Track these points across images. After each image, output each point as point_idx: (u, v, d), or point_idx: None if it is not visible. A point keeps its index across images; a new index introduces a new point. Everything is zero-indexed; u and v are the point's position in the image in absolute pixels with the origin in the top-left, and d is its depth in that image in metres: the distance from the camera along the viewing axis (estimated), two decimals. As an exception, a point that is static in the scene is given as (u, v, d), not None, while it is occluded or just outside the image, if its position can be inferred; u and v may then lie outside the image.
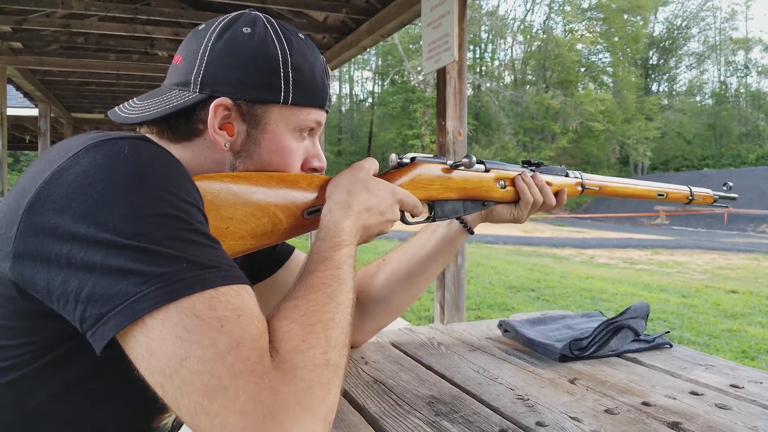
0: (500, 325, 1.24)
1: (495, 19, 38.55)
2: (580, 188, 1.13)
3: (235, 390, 0.52)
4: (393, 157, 0.94)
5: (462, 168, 0.97)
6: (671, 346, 1.16)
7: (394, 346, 1.20)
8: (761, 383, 0.96)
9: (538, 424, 0.80)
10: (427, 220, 0.96)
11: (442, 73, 3.49)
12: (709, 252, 12.13)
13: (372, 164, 0.87)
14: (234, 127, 0.78)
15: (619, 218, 23.10)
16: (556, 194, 1.08)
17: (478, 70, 38.64)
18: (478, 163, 0.99)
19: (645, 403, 0.86)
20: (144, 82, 7.98)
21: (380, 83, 42.76)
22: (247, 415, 0.51)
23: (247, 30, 0.77)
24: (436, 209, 0.96)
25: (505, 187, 1.02)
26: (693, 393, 0.91)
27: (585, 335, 1.09)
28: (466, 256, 3.83)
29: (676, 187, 1.23)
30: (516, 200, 1.05)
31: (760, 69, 41.87)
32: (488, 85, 37.00)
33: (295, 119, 0.80)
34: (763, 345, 4.65)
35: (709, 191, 1.27)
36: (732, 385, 0.94)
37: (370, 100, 44.89)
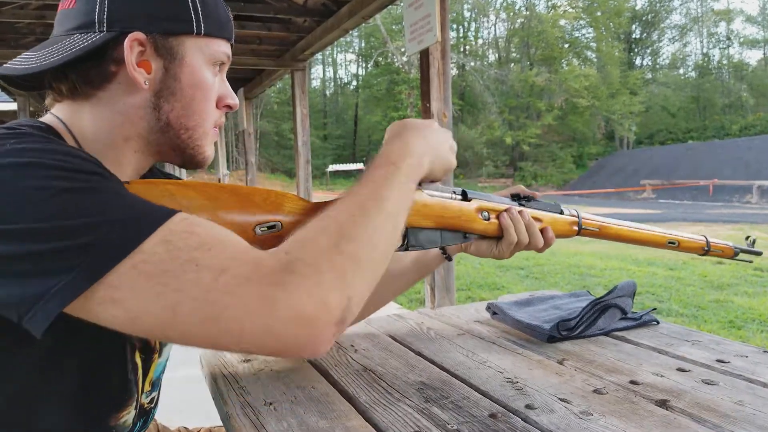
0: (488, 308, 1.25)
1: (477, -3, 38.30)
2: (576, 228, 1.03)
3: (236, 302, 0.54)
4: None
5: (434, 191, 0.89)
6: (658, 323, 1.16)
7: (384, 333, 1.20)
8: (746, 357, 0.97)
9: (528, 407, 0.80)
10: (400, 248, 0.88)
11: (425, 55, 3.47)
12: (695, 224, 12.25)
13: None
14: (151, 63, 0.74)
15: (607, 193, 23.26)
16: (543, 233, 0.99)
17: (461, 49, 38.46)
18: (456, 193, 0.92)
19: (633, 382, 0.87)
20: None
21: (364, 65, 42.49)
22: (257, 314, 0.54)
23: None
24: (409, 237, 0.88)
25: (488, 219, 0.94)
26: (680, 369, 0.92)
27: (573, 315, 1.10)
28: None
29: (690, 236, 1.11)
30: (499, 236, 0.96)
31: (741, 40, 42.06)
32: (472, 64, 36.88)
33: (208, 50, 0.78)
34: (749, 314, 4.72)
35: (730, 244, 1.15)
36: (718, 360, 0.95)
37: (354, 83, 44.61)
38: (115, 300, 0.53)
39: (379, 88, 35.35)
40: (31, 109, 9.20)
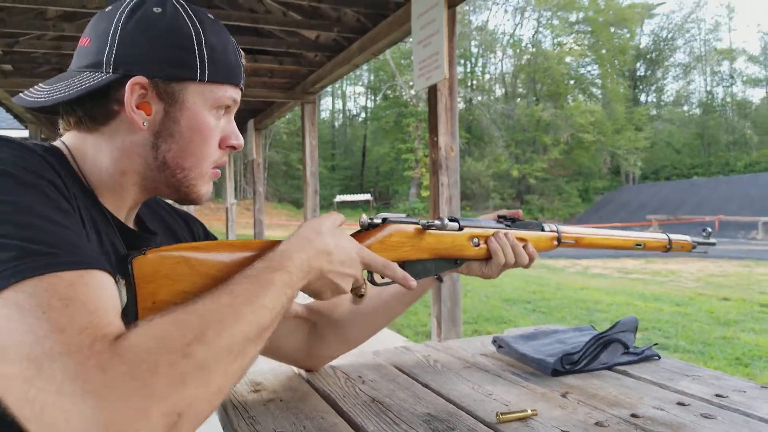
0: (494, 341, 1.27)
1: (485, 33, 38.96)
2: (556, 242, 1.11)
3: (52, 372, 0.49)
4: (363, 217, 0.92)
5: (434, 229, 0.95)
6: (659, 357, 1.19)
7: (391, 365, 1.22)
8: (745, 392, 0.99)
9: (531, 438, 0.82)
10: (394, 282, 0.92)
11: (433, 90, 3.55)
12: (701, 260, 12.19)
13: (341, 217, 0.87)
14: (151, 106, 0.77)
15: (612, 227, 23.20)
16: (526, 249, 1.06)
17: (469, 84, 38.95)
18: (451, 221, 0.97)
19: (633, 415, 0.89)
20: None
21: (373, 98, 42.98)
22: (64, 396, 0.48)
23: (157, 9, 0.77)
24: (406, 269, 0.92)
25: (478, 245, 1.01)
26: (680, 404, 0.94)
27: (576, 349, 1.12)
28: (460, 270, 3.86)
29: (654, 235, 1.23)
30: (488, 258, 1.03)
31: (744, 78, 42.47)
32: (480, 98, 37.30)
33: (212, 96, 0.80)
34: (756, 351, 4.68)
35: (688, 238, 1.26)
36: (717, 395, 0.98)
37: (363, 115, 45.10)
38: None
39: (387, 120, 35.72)
40: (42, 136, 9.36)
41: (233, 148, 0.87)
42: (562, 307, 6.67)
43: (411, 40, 3.75)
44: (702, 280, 9.23)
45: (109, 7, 0.80)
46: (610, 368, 1.13)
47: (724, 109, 41.76)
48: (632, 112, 36.67)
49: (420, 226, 0.94)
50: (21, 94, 0.80)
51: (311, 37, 5.47)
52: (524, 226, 1.07)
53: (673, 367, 1.14)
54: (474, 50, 39.61)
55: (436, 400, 1.00)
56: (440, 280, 1.08)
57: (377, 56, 5.33)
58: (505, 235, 1.03)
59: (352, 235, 0.88)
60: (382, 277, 0.90)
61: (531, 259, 1.06)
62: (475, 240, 1.01)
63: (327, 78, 5.96)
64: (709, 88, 43.34)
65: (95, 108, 0.78)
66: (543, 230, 1.10)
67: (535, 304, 6.94)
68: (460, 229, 0.99)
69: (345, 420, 0.93)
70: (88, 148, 0.79)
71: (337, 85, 41.87)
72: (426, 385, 1.08)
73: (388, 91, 36.76)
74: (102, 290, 0.58)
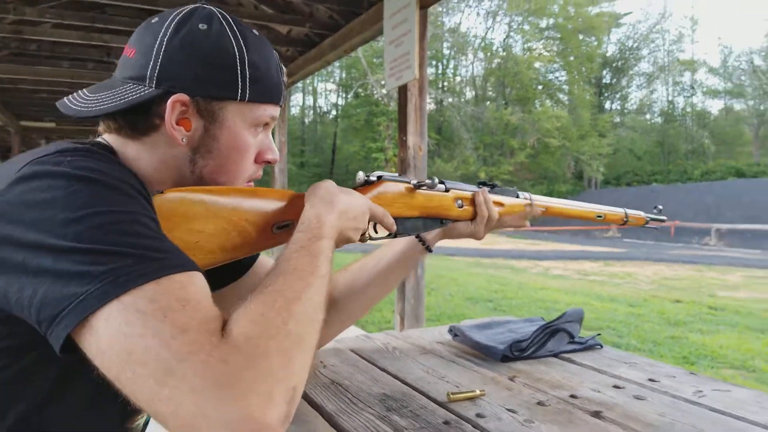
0: (451, 330, 1.35)
1: (457, 36, 39.25)
2: (528, 209, 1.20)
3: (183, 371, 0.53)
4: (360, 174, 0.97)
5: (424, 188, 1.02)
6: (602, 347, 1.28)
7: (352, 351, 1.28)
8: (674, 377, 1.08)
9: (478, 415, 0.89)
10: (389, 236, 1.01)
11: (403, 90, 3.60)
12: (656, 263, 12.60)
13: (331, 181, 0.91)
14: (191, 122, 0.78)
15: (574, 231, 23.71)
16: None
17: (440, 85, 39.20)
18: (439, 183, 1.05)
19: (572, 396, 0.97)
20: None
21: (344, 96, 42.88)
22: (198, 392, 0.52)
23: (203, 26, 0.78)
24: (398, 226, 0.99)
25: (462, 206, 1.09)
26: (615, 387, 1.03)
27: (525, 338, 1.20)
28: (425, 268, 3.94)
29: (613, 209, 1.32)
30: (473, 218, 1.11)
31: (704, 90, 43.75)
32: (450, 100, 37.57)
33: (251, 115, 0.82)
34: (702, 351, 4.90)
35: (642, 213, 1.37)
36: (650, 379, 1.07)
37: (333, 112, 44.94)
38: (94, 328, 0.56)
39: (358, 118, 35.66)
40: (66, 127, 8.93)
41: (268, 162, 0.89)
42: (523, 305, 6.83)
43: (383, 39, 3.80)
44: (656, 282, 9.54)
45: (156, 19, 0.80)
46: (555, 355, 1.21)
47: (684, 118, 42.96)
48: (597, 119, 37.43)
49: (411, 185, 1.01)
50: (65, 100, 0.81)
51: (283, 31, 5.47)
52: (502, 192, 1.17)
53: (613, 355, 1.23)
54: (446, 52, 39.88)
55: (392, 383, 1.06)
56: (429, 249, 1.15)
57: (349, 54, 5.36)
58: (487, 192, 1.12)
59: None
60: (376, 231, 0.98)
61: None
62: (459, 202, 1.09)
63: (298, 74, 5.97)
64: (670, 98, 44.56)
65: (137, 120, 0.79)
66: (518, 197, 1.19)
67: (497, 302, 7.09)
68: (447, 190, 1.07)
69: (305, 400, 0.98)
70: (129, 152, 0.80)
71: (308, 81, 41.63)
72: (384, 369, 1.14)
73: (360, 89, 36.73)
74: (205, 289, 0.62)
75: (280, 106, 0.87)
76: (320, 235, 0.76)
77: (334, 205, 0.83)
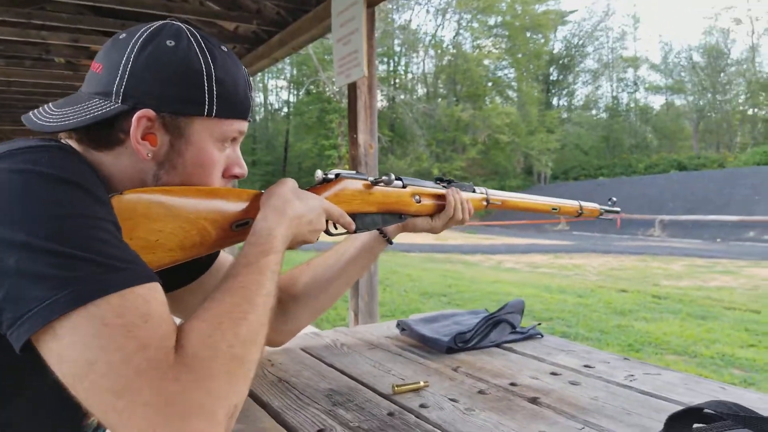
0: (398, 325, 1.37)
1: (407, 33, 39.44)
2: (485, 203, 1.23)
3: (140, 386, 0.56)
4: (319, 172, 0.99)
5: (382, 184, 1.05)
6: (542, 336, 1.33)
7: (301, 348, 1.29)
8: (609, 363, 1.14)
9: (421, 406, 0.92)
10: (349, 231, 1.03)
11: (353, 88, 3.61)
12: (603, 255, 13.02)
13: (294, 181, 0.93)
14: (157, 137, 0.79)
15: (525, 225, 24.24)
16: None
17: (392, 82, 39.32)
18: (396, 179, 1.07)
19: (512, 384, 1.01)
20: (38, 89, 7.56)
21: (295, 93, 42.53)
22: (150, 406, 0.55)
23: (171, 43, 0.78)
24: (357, 222, 1.02)
25: (420, 202, 1.11)
26: (553, 373, 1.07)
27: (469, 329, 1.24)
28: (379, 264, 3.97)
29: (568, 202, 1.36)
30: (431, 213, 1.14)
31: (647, 86, 45.37)
32: (402, 97, 37.74)
33: (218, 130, 0.82)
34: (646, 338, 5.10)
35: (596, 205, 1.41)
36: (585, 366, 1.12)
37: (285, 109, 44.50)
38: (58, 334, 0.57)
39: (310, 116, 35.40)
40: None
41: (236, 176, 0.90)
42: (476, 299, 6.95)
43: (332, 36, 3.80)
44: (603, 273, 9.86)
45: (124, 35, 0.80)
46: (498, 345, 1.25)
47: (628, 114, 44.44)
48: (545, 115, 38.33)
49: (369, 182, 1.03)
50: (30, 115, 0.81)
51: (230, 28, 5.39)
52: (459, 187, 1.19)
53: (552, 343, 1.28)
54: (397, 49, 40.04)
55: (339, 378, 1.08)
56: (390, 242, 1.18)
57: (298, 51, 5.33)
58: (456, 191, 1.14)
59: (308, 189, 0.95)
60: (335, 227, 0.99)
61: (470, 215, 1.18)
62: (417, 197, 1.11)
63: (247, 70, 5.89)
64: (615, 94, 45.99)
65: (101, 134, 0.79)
66: (474, 192, 1.22)
67: (451, 297, 7.19)
68: (404, 187, 1.09)
69: (252, 398, 0.99)
70: (92, 160, 0.79)
71: (258, 78, 41.08)
72: (331, 365, 1.15)
73: (311, 86, 36.47)
74: (163, 302, 0.64)
75: (249, 121, 0.88)
76: (269, 250, 0.78)
77: (285, 214, 0.84)
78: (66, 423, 0.81)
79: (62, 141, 0.80)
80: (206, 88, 0.79)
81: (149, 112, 0.77)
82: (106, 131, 0.78)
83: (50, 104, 0.82)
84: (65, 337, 0.57)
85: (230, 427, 0.62)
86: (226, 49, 0.84)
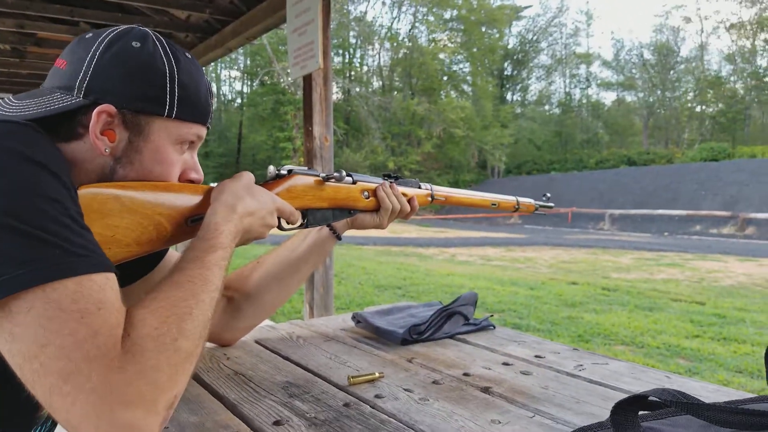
0: (354, 317, 1.38)
1: (363, 25, 39.34)
2: (430, 198, 1.26)
3: (88, 372, 0.56)
4: (271, 168, 1.00)
5: (333, 180, 1.06)
6: (494, 327, 1.36)
7: (256, 342, 1.28)
8: (559, 353, 1.17)
9: (377, 396, 0.93)
10: (301, 226, 1.04)
11: (308, 80, 3.58)
12: (555, 248, 13.37)
13: (251, 175, 0.93)
14: (116, 133, 0.80)
15: (478, 218, 24.61)
16: (410, 202, 1.20)
17: (347, 74, 39.18)
18: (347, 176, 1.08)
19: (465, 374, 1.04)
20: (-19, 75, 7.27)
21: (249, 84, 41.88)
22: (95, 392, 0.56)
23: (136, 44, 0.80)
24: (308, 217, 1.04)
25: (368, 198, 1.13)
26: (505, 364, 1.10)
27: (424, 321, 1.26)
28: (334, 258, 3.97)
29: (506, 197, 1.41)
30: (377, 209, 1.15)
31: (599, 82, 46.65)
32: (357, 90, 37.65)
33: (177, 132, 0.84)
34: (596, 329, 5.27)
35: (532, 201, 1.47)
36: (536, 356, 1.15)
37: (239, 100, 43.78)
38: (12, 312, 0.57)
39: (264, 107, 34.96)
40: None
41: (192, 181, 0.91)
42: (430, 291, 7.03)
43: (286, 26, 3.76)
44: (554, 266, 10.12)
45: (90, 34, 0.82)
46: (452, 337, 1.28)
47: (580, 109, 45.65)
48: (499, 110, 38.96)
49: (320, 178, 1.04)
50: None
51: (182, 16, 5.27)
52: (405, 183, 1.22)
53: (504, 334, 1.31)
54: (352, 41, 39.91)
55: (295, 370, 1.08)
56: (339, 238, 1.19)
57: (252, 41, 5.25)
58: (390, 186, 1.16)
59: (260, 184, 0.95)
60: (288, 223, 1.00)
61: (413, 210, 1.20)
62: (366, 193, 1.12)
63: (199, 60, 5.76)
64: (567, 90, 47.16)
65: (61, 127, 0.79)
66: (420, 188, 1.24)
67: (405, 289, 7.25)
68: (354, 182, 1.10)
69: (207, 391, 0.98)
70: None
71: (210, 68, 40.24)
72: (287, 358, 1.15)
73: (266, 77, 36.00)
74: (117, 292, 0.65)
75: (208, 128, 0.90)
76: (216, 246, 0.79)
77: (235, 210, 0.85)
78: (24, 411, 0.80)
79: None
80: (168, 89, 0.81)
81: (110, 108, 0.78)
82: (65, 124, 0.79)
83: (10, 96, 0.83)
84: (19, 315, 0.57)
85: (168, 416, 0.63)
86: (190, 56, 0.87)
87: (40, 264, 0.58)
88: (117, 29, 0.83)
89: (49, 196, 0.63)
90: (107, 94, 0.78)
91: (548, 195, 1.51)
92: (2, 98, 0.83)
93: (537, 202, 1.48)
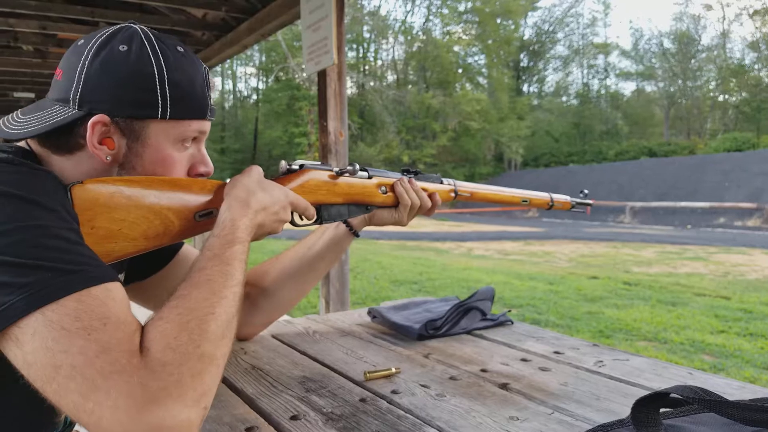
0: (370, 312, 1.38)
1: (377, 19, 39.23)
2: (453, 194, 1.21)
3: (107, 389, 0.57)
4: (283, 163, 0.99)
5: (347, 175, 1.04)
6: (512, 323, 1.35)
7: (273, 336, 1.29)
8: (578, 349, 1.16)
9: (393, 392, 0.93)
10: (315, 222, 1.03)
11: (322, 75, 3.58)
12: (574, 242, 13.25)
13: (259, 169, 0.92)
14: (114, 141, 0.81)
15: (496, 212, 24.49)
16: (431, 198, 1.15)
17: (362, 69, 39.11)
18: (361, 170, 1.07)
19: (483, 370, 1.03)
20: (5, 77, 7.39)
21: (264, 80, 41.98)
22: (119, 410, 0.57)
23: (123, 48, 0.80)
24: (322, 213, 1.02)
25: (386, 193, 1.10)
26: (523, 360, 1.09)
27: (440, 317, 1.25)
28: (349, 253, 3.97)
29: (538, 194, 1.34)
30: (396, 204, 1.12)
31: (617, 72, 46.02)
32: (372, 84, 37.59)
33: (175, 132, 0.84)
34: (617, 324, 5.21)
35: (568, 198, 1.39)
36: (555, 352, 1.14)
37: (254, 96, 43.92)
38: (19, 340, 0.58)
39: (279, 103, 35.02)
40: None
41: (201, 175, 0.91)
42: (446, 286, 7.01)
43: (301, 23, 3.76)
44: (574, 260, 10.03)
45: (81, 41, 0.82)
46: (468, 332, 1.27)
47: (598, 100, 45.06)
48: (515, 102, 38.63)
49: (334, 173, 1.03)
50: (0, 125, 0.83)
51: (198, 15, 5.29)
52: (425, 178, 1.18)
53: (522, 330, 1.30)
54: (366, 35, 39.81)
55: (312, 365, 1.08)
56: (356, 235, 1.18)
57: (267, 38, 5.26)
58: (409, 181, 1.13)
59: (272, 179, 0.95)
60: (301, 218, 0.99)
61: (434, 206, 1.16)
62: (383, 188, 1.10)
63: (215, 58, 5.80)
64: (585, 80, 46.58)
65: (61, 140, 0.80)
66: (442, 183, 1.21)
67: (421, 284, 7.23)
68: (370, 177, 1.08)
69: (226, 385, 0.99)
70: (53, 164, 0.81)
71: (227, 65, 40.46)
72: (304, 353, 1.16)
73: (281, 73, 36.07)
74: (123, 301, 0.65)
75: (210, 120, 0.89)
76: (233, 240, 0.79)
77: (249, 206, 0.85)
78: (43, 418, 0.82)
79: (26, 147, 0.82)
80: (159, 90, 0.80)
81: (103, 117, 0.79)
82: (65, 137, 0.80)
83: (18, 111, 0.85)
84: (27, 343, 0.58)
85: (200, 426, 0.63)
86: (182, 50, 0.85)
87: (32, 288, 0.59)
88: (106, 32, 0.82)
89: (32, 225, 0.63)
90: (99, 104, 0.79)
91: (586, 191, 1.43)
92: (10, 115, 0.85)
93: (573, 199, 1.39)
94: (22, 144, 0.82)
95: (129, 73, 0.79)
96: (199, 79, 0.86)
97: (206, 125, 0.89)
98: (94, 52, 0.80)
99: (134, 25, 0.84)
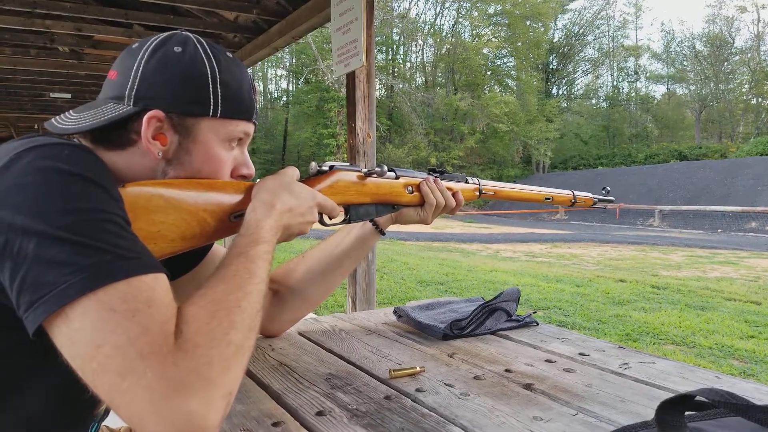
0: (395, 311, 1.39)
1: (406, 22, 39.22)
2: (477, 193, 1.24)
3: (143, 369, 0.59)
4: (313, 165, 1.01)
5: (375, 176, 1.07)
6: (538, 324, 1.35)
7: (300, 333, 1.31)
8: (604, 351, 1.15)
9: (417, 390, 0.94)
10: (343, 222, 1.05)
11: (351, 77, 3.61)
12: (602, 245, 13.06)
13: (294, 171, 0.95)
14: (166, 137, 0.84)
15: (523, 214, 24.27)
16: (454, 197, 1.18)
17: (390, 71, 39.16)
18: (389, 171, 1.09)
19: (507, 370, 1.03)
20: (42, 78, 7.59)
21: (294, 82, 42.35)
22: (152, 389, 0.59)
23: (178, 49, 0.84)
24: (351, 212, 1.05)
25: (412, 192, 1.13)
26: (548, 361, 1.09)
27: (465, 317, 1.26)
28: (376, 252, 4.00)
29: (561, 191, 1.36)
30: (421, 203, 1.15)
31: (648, 75, 45.26)
32: (401, 86, 37.59)
33: (224, 130, 0.87)
34: (644, 328, 5.13)
35: (590, 195, 1.41)
36: (580, 353, 1.14)
37: (284, 98, 44.33)
38: (69, 318, 0.60)
39: (309, 104, 35.28)
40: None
41: (244, 177, 0.94)
42: (472, 287, 6.98)
43: (330, 25, 3.80)
44: (601, 263, 9.89)
45: (136, 44, 0.86)
46: (493, 333, 1.27)
47: (628, 103, 44.35)
48: (544, 104, 38.24)
49: (362, 173, 1.05)
50: (52, 120, 0.87)
51: (230, 17, 5.38)
52: (450, 177, 1.21)
53: (548, 331, 1.30)
54: (395, 38, 39.85)
55: (338, 363, 1.10)
56: (382, 233, 1.20)
57: (297, 40, 5.32)
58: (434, 181, 1.15)
59: (302, 180, 0.97)
60: (330, 218, 1.02)
61: (458, 204, 1.18)
62: (410, 188, 1.13)
63: (246, 60, 5.88)
64: (615, 83, 45.91)
65: (114, 135, 0.84)
66: (467, 182, 1.23)
67: (448, 285, 7.22)
68: (397, 177, 1.11)
69: (253, 380, 1.01)
70: (104, 159, 0.82)
71: (257, 67, 40.87)
72: (329, 350, 1.17)
73: (310, 75, 36.29)
74: (168, 290, 0.67)
75: (254, 124, 0.92)
76: (258, 240, 0.81)
77: (274, 207, 0.87)
78: (81, 411, 0.85)
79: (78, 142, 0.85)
80: (211, 89, 0.84)
81: (159, 113, 0.82)
82: (119, 132, 0.84)
83: (70, 111, 0.88)
84: (75, 320, 0.60)
85: (226, 413, 0.64)
86: (231, 56, 0.90)
87: (92, 270, 0.61)
88: (159, 37, 0.86)
89: (95, 208, 0.66)
90: (155, 100, 0.82)
91: (608, 188, 1.45)
92: (60, 115, 0.88)
93: (596, 196, 1.42)
94: (75, 140, 0.84)
95: (184, 71, 0.83)
96: (246, 83, 0.90)
97: (251, 128, 0.92)
98: (150, 52, 0.84)
99: (185, 32, 0.88)
